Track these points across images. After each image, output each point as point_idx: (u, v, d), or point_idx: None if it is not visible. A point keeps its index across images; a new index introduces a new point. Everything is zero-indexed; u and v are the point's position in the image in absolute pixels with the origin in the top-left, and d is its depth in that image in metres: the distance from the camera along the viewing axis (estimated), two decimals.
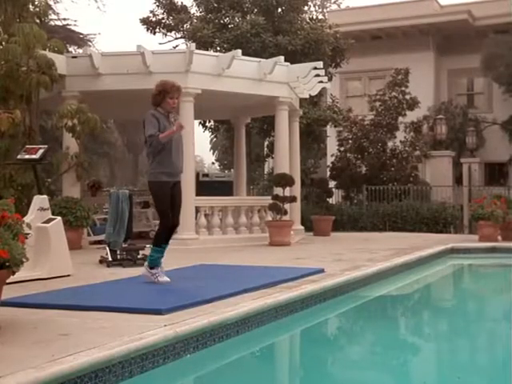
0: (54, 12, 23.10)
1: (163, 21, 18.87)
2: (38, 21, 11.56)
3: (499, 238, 11.91)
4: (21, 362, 3.50)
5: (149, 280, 6.41)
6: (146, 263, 6.55)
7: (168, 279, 6.41)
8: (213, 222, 11.72)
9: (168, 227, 6.56)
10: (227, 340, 4.77)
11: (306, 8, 20.45)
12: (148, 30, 19.01)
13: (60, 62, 10.83)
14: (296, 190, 12.80)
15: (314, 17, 20.72)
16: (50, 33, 12.44)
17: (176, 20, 18.36)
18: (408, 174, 18.92)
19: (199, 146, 13.70)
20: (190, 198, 10.56)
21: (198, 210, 11.36)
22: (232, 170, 22.87)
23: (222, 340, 4.72)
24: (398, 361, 5.08)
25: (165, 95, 6.38)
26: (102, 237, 10.53)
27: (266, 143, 20.65)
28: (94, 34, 35.87)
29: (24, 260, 4.42)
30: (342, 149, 19.39)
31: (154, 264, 6.44)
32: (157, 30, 19.00)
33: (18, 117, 9.46)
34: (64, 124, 10.65)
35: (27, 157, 7.39)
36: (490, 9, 22.17)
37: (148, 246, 8.77)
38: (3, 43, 10.45)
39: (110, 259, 8.22)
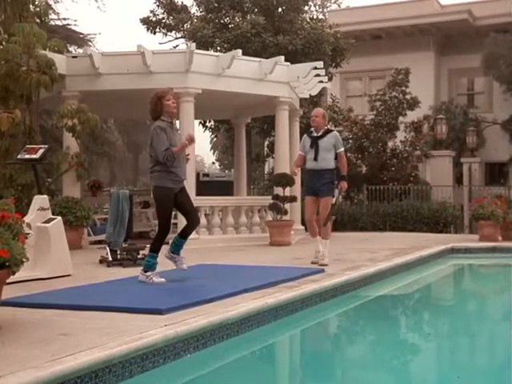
0: (54, 12, 23.09)
1: (163, 21, 18.87)
2: (38, 20, 11.54)
3: (499, 237, 11.89)
4: (21, 361, 3.50)
5: (145, 282, 6.46)
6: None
7: (163, 279, 6.44)
8: (213, 221, 11.72)
9: (166, 234, 6.56)
10: (227, 340, 4.76)
11: (306, 8, 20.44)
12: (148, 29, 19.01)
13: (60, 62, 10.82)
14: (296, 189, 12.79)
15: (315, 17, 20.76)
16: (50, 32, 12.40)
17: (176, 20, 18.37)
18: (408, 174, 18.91)
19: (199, 146, 13.68)
20: None
21: (198, 209, 11.34)
22: (232, 169, 22.89)
23: (223, 340, 4.72)
24: (397, 360, 5.08)
25: (161, 100, 6.33)
26: (102, 237, 10.54)
27: (266, 143, 20.64)
28: (94, 34, 35.86)
29: (24, 260, 4.42)
30: None
31: (149, 268, 6.49)
32: (157, 29, 19.00)
33: (18, 117, 9.47)
34: (64, 124, 10.65)
35: (27, 156, 7.38)
36: (491, 8, 22.17)
37: (148, 245, 8.81)
38: (3, 43, 10.45)
39: (111, 259, 8.23)
